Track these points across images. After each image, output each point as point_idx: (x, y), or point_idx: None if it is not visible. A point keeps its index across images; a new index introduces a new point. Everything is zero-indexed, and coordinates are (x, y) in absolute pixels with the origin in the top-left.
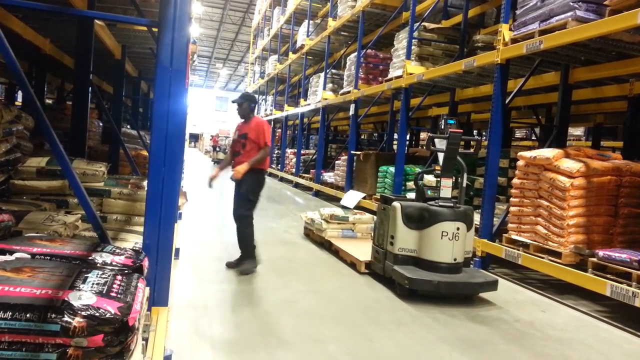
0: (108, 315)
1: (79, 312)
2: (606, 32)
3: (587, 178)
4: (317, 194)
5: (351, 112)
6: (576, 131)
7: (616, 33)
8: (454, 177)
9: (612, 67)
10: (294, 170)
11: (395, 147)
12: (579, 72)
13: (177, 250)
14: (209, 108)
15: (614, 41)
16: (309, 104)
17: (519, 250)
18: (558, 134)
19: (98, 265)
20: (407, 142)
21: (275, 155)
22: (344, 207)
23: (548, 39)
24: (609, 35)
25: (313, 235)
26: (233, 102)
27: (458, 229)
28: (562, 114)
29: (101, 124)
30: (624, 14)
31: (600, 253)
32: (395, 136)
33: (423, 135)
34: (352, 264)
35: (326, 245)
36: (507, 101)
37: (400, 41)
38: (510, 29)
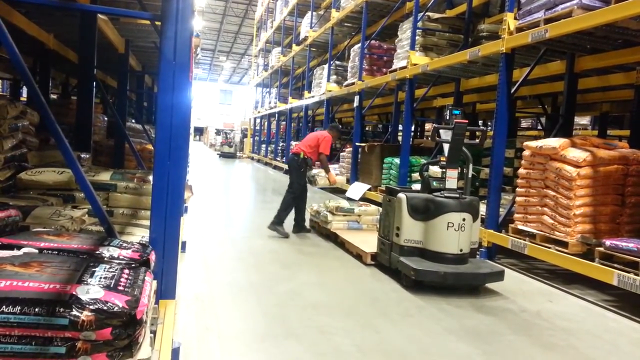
0: (116, 308)
1: (87, 306)
2: (612, 20)
3: (594, 167)
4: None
5: (355, 103)
6: (582, 120)
7: (622, 21)
8: (459, 168)
9: (618, 55)
10: None
11: (400, 138)
12: (584, 61)
13: (184, 243)
14: (213, 101)
15: (620, 29)
16: (313, 96)
17: (525, 240)
18: (564, 123)
19: (105, 259)
20: (412, 133)
21: (280, 147)
22: (349, 199)
23: (553, 27)
24: (615, 23)
25: (319, 227)
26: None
27: (464, 219)
28: (568, 103)
29: (106, 119)
30: (630, 1)
31: (607, 242)
32: (400, 127)
33: (428, 126)
34: (358, 255)
35: (332, 237)
36: (512, 91)
37: (404, 31)
38: (515, 18)
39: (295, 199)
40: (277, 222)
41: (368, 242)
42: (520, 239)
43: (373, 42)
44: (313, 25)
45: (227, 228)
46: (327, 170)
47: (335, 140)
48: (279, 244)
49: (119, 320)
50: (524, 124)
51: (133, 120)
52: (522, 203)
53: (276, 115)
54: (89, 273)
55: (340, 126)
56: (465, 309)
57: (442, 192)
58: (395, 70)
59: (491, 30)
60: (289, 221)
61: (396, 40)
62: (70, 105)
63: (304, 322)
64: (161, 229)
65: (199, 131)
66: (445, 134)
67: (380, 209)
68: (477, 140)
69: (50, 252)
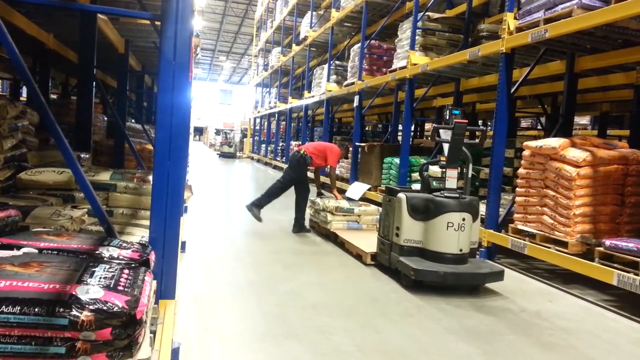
0: (116, 309)
1: (87, 306)
2: (612, 20)
3: (594, 167)
4: (322, 185)
5: (355, 103)
6: (582, 120)
7: (622, 20)
8: (459, 168)
9: (618, 55)
10: None
11: (399, 138)
12: (584, 61)
13: (183, 243)
14: (213, 101)
15: (620, 29)
16: (313, 96)
17: (525, 240)
18: (564, 123)
19: (105, 259)
20: (412, 133)
21: (280, 147)
22: (349, 199)
23: (553, 27)
24: (615, 22)
25: (319, 227)
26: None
27: (464, 219)
28: (567, 103)
29: (106, 119)
30: (630, 1)
31: (607, 242)
32: (400, 127)
33: (428, 126)
34: (358, 255)
35: (332, 238)
36: (512, 91)
37: (404, 31)
38: (515, 18)
39: (282, 189)
40: (255, 204)
41: (368, 242)
42: (520, 238)
43: (373, 42)
44: (313, 25)
45: (227, 228)
46: (334, 186)
47: (341, 157)
48: (279, 243)
49: (118, 320)
50: (524, 123)
51: (133, 120)
52: (521, 203)
53: (276, 115)
54: (88, 273)
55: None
56: (465, 309)
57: (441, 192)
58: (395, 70)
59: (491, 30)
60: (287, 219)
61: (396, 40)
62: (70, 105)
63: (304, 322)
64: (161, 229)
65: (199, 131)
66: (445, 134)
67: (380, 208)
68: (477, 140)
69: (49, 252)
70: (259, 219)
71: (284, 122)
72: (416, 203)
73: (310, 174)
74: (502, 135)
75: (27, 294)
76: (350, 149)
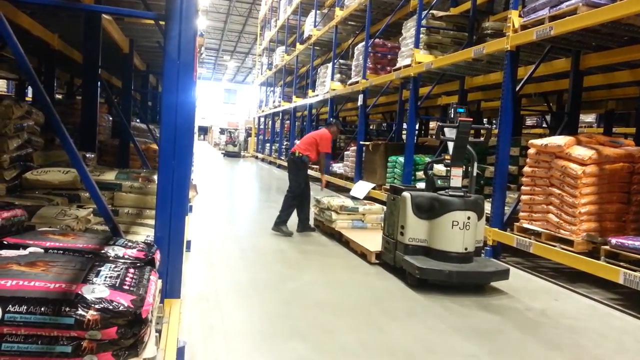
0: (121, 308)
1: (93, 305)
2: (618, 17)
3: (599, 165)
4: (326, 184)
5: (359, 102)
6: (588, 118)
7: (628, 17)
8: (464, 166)
9: (623, 52)
10: None
11: (404, 136)
12: (590, 58)
13: (188, 242)
14: (217, 100)
15: (625, 26)
16: (317, 95)
17: (530, 238)
18: (569, 121)
19: (110, 258)
20: (416, 132)
21: (284, 146)
22: (353, 198)
23: (558, 24)
24: (621, 20)
25: (323, 226)
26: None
27: (469, 218)
28: (573, 101)
29: (111, 118)
30: None
31: (613, 241)
32: (404, 126)
33: (432, 124)
34: (363, 254)
35: (336, 237)
36: (517, 89)
37: (409, 30)
38: (519, 16)
39: (295, 198)
40: (279, 222)
41: (372, 241)
42: (525, 237)
43: (377, 40)
44: (317, 24)
45: (232, 227)
46: (322, 172)
47: (336, 136)
48: (284, 242)
49: (124, 319)
50: (529, 121)
51: (138, 120)
52: (527, 201)
53: (280, 114)
54: (94, 272)
55: (340, 121)
56: (470, 308)
57: (446, 190)
58: (399, 69)
59: (496, 28)
60: (293, 220)
61: (400, 39)
62: (75, 105)
63: (309, 320)
64: (166, 228)
65: (203, 130)
66: (450, 132)
67: (385, 207)
68: (482, 139)
69: (55, 251)
70: (290, 234)
71: (288, 121)
72: (421, 202)
73: (314, 174)
74: (507, 133)
75: (34, 293)
76: (353, 146)
